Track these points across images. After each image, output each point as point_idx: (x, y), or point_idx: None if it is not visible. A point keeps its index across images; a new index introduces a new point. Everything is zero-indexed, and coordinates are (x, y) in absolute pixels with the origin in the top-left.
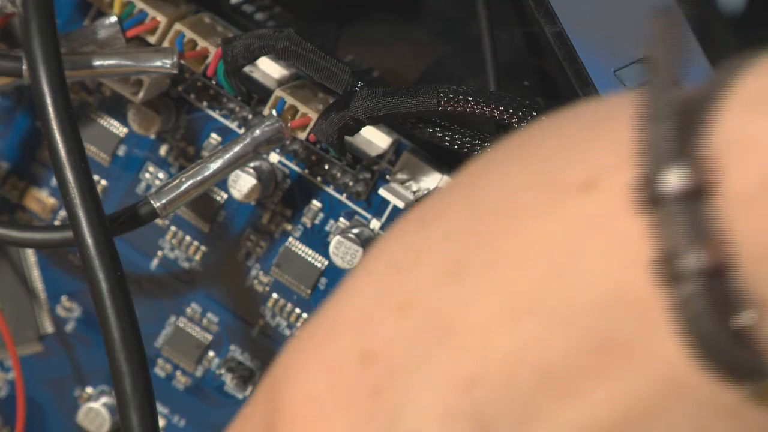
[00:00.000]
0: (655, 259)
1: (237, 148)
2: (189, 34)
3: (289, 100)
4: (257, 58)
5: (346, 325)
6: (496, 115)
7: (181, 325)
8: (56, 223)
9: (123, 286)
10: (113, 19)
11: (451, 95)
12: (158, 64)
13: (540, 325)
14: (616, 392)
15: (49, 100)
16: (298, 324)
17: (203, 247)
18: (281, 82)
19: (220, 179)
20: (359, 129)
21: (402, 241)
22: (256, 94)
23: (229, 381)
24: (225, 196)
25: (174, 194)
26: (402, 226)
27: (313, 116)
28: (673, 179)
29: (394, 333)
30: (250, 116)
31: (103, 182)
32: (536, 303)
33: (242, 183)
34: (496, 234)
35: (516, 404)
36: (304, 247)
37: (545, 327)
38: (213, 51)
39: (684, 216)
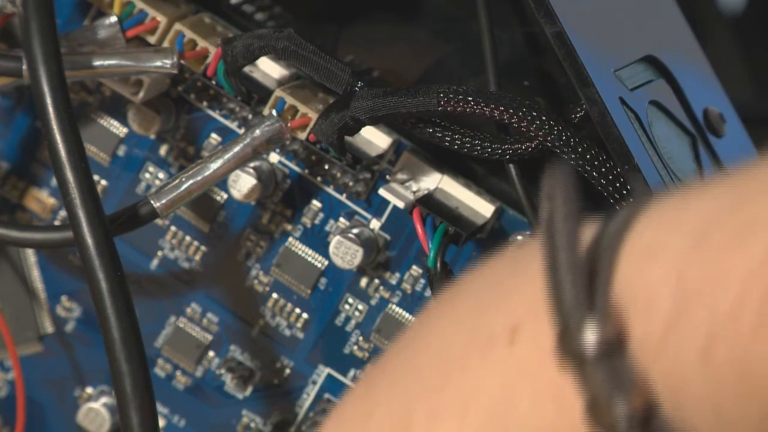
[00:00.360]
0: (586, 410)
1: (237, 148)
2: (189, 34)
3: (289, 100)
4: (257, 58)
5: None
6: (496, 115)
7: (181, 325)
8: (56, 223)
9: (123, 286)
10: (113, 19)
11: (451, 95)
12: (158, 64)
13: None
14: None
15: (49, 100)
16: (298, 324)
17: (203, 247)
18: (281, 82)
19: (220, 179)
20: (359, 129)
21: (354, 403)
22: (256, 94)
23: (229, 381)
24: (225, 196)
25: (174, 194)
26: (352, 392)
27: (313, 116)
28: (588, 335)
29: None
30: (250, 116)
31: (103, 182)
32: None
33: (242, 183)
34: (438, 387)
35: None
36: (304, 247)
37: None
38: (213, 51)
39: (605, 368)
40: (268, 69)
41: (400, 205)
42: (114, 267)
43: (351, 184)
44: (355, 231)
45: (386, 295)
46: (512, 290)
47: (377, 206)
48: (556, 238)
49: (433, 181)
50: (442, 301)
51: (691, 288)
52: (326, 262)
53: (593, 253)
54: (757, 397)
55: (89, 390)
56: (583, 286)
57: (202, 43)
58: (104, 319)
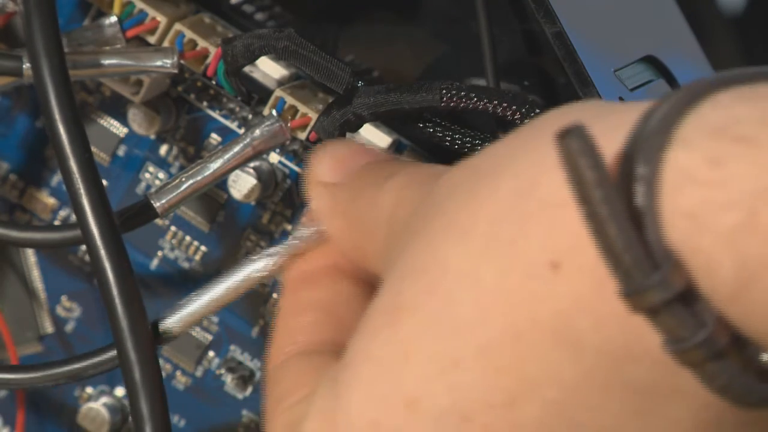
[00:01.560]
0: (667, 347)
1: (237, 148)
2: (189, 34)
3: (290, 100)
4: (257, 57)
5: (361, 429)
6: (498, 111)
7: None
8: (56, 223)
9: (130, 274)
10: (113, 19)
11: (453, 91)
12: (158, 63)
13: (559, 394)
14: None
15: (52, 95)
16: None
17: (203, 247)
18: (281, 82)
19: (220, 179)
20: (361, 125)
21: (381, 339)
22: (256, 94)
23: (229, 381)
24: (225, 196)
25: (174, 194)
26: (373, 326)
27: (313, 116)
28: (658, 294)
29: (414, 431)
30: (250, 116)
31: (103, 182)
32: (544, 377)
33: (242, 183)
34: (481, 320)
35: None
36: None
37: (565, 395)
38: (213, 51)
39: (681, 313)
40: (269, 69)
41: None
42: (120, 254)
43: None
44: None
45: None
46: (536, 220)
47: None
48: (594, 196)
49: None
50: (451, 228)
51: (753, 265)
52: None
53: (633, 199)
54: None
55: (89, 390)
56: (638, 245)
57: (202, 43)
58: (111, 306)
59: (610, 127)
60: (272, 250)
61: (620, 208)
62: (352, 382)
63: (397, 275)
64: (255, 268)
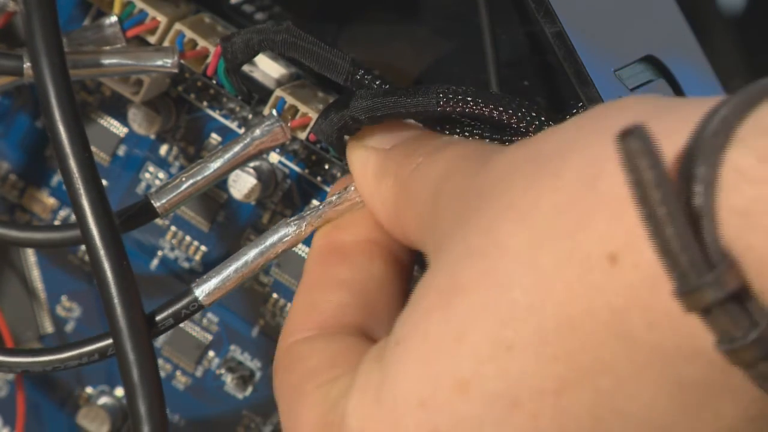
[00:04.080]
0: (719, 346)
1: (237, 148)
2: (189, 34)
3: (290, 100)
4: (257, 53)
5: (408, 407)
6: (495, 115)
7: (181, 325)
8: (56, 223)
9: (129, 274)
10: (113, 18)
11: (450, 95)
12: (159, 63)
13: (610, 384)
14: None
15: (52, 93)
16: None
17: (203, 247)
18: (281, 82)
19: (220, 179)
20: (359, 129)
21: (436, 319)
22: (256, 94)
23: (229, 381)
24: (225, 195)
25: (174, 194)
26: (427, 305)
27: (313, 116)
28: (713, 293)
29: (462, 412)
30: (250, 116)
31: (103, 182)
32: (597, 367)
33: (242, 183)
34: (534, 307)
35: None
36: (304, 247)
37: (616, 385)
38: (213, 50)
39: (734, 312)
40: (268, 69)
41: None
42: (120, 255)
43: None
44: None
45: None
46: (596, 212)
47: None
48: (652, 197)
49: None
50: (512, 211)
51: None
52: None
53: (691, 199)
54: None
55: (89, 390)
56: (694, 245)
57: (202, 43)
58: (110, 306)
59: (671, 127)
60: (303, 214)
61: (678, 209)
62: (402, 360)
63: (453, 255)
64: (286, 232)
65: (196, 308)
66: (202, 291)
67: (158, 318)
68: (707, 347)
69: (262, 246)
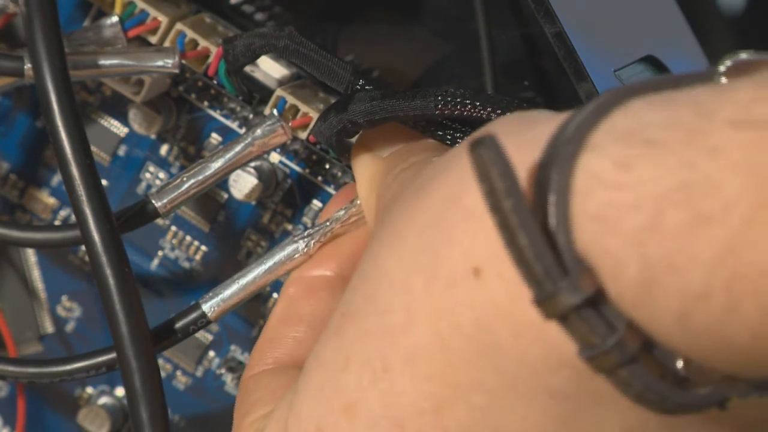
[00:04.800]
0: (580, 353)
1: (238, 148)
2: (190, 34)
3: (290, 100)
4: (258, 56)
5: None
6: (493, 118)
7: None
8: (56, 223)
9: (130, 281)
10: (114, 19)
11: (448, 98)
12: (159, 63)
13: (484, 399)
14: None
15: (53, 97)
16: None
17: (203, 247)
18: (282, 82)
19: (221, 179)
20: (358, 132)
21: (327, 354)
22: (257, 93)
23: (229, 381)
24: (225, 195)
25: (175, 194)
26: (325, 342)
27: (314, 116)
28: (568, 299)
29: None
30: (251, 116)
31: (104, 182)
32: (469, 383)
33: (243, 183)
34: (405, 328)
35: None
36: None
37: (489, 401)
38: (214, 51)
39: (591, 318)
40: (269, 69)
41: None
42: (121, 262)
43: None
44: None
45: None
46: (459, 230)
47: None
48: (504, 205)
49: None
50: (390, 234)
51: (655, 265)
52: None
53: (545, 208)
54: (735, 357)
55: (89, 390)
56: (548, 252)
57: (203, 43)
58: (112, 314)
59: (531, 138)
60: (311, 231)
61: (530, 216)
62: (304, 387)
63: (352, 281)
64: (294, 249)
65: (204, 324)
66: (210, 307)
67: (166, 333)
68: (572, 356)
69: (270, 263)
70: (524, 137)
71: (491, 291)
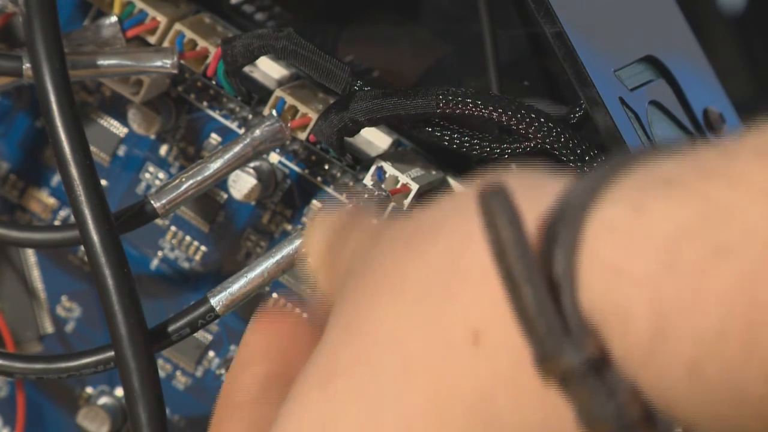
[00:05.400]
0: (579, 420)
1: (237, 148)
2: (189, 34)
3: (290, 100)
4: (257, 57)
5: None
6: (494, 117)
7: None
8: (56, 223)
9: (130, 282)
10: (113, 19)
11: (450, 97)
12: (158, 64)
13: None
14: None
15: (53, 97)
16: None
17: (203, 247)
18: (281, 83)
19: (220, 179)
20: (359, 130)
21: (311, 410)
22: (256, 94)
23: None
24: (225, 196)
25: (174, 194)
26: (305, 396)
27: (313, 116)
28: (570, 359)
29: None
30: (250, 116)
31: (103, 182)
32: None
33: (242, 183)
34: (400, 394)
35: None
36: None
37: None
38: (213, 51)
39: (593, 382)
40: (268, 69)
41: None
42: (120, 263)
43: (351, 184)
44: None
45: None
46: (460, 289)
47: None
48: (510, 255)
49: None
50: (383, 287)
51: (668, 310)
52: None
53: (552, 262)
54: (753, 410)
55: (89, 390)
56: (551, 309)
57: (202, 43)
58: (111, 315)
59: (541, 192)
60: None
61: (536, 270)
62: None
63: (334, 333)
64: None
65: (213, 317)
66: (218, 301)
67: (174, 327)
68: (571, 422)
69: (278, 256)
70: (536, 189)
71: (491, 358)
